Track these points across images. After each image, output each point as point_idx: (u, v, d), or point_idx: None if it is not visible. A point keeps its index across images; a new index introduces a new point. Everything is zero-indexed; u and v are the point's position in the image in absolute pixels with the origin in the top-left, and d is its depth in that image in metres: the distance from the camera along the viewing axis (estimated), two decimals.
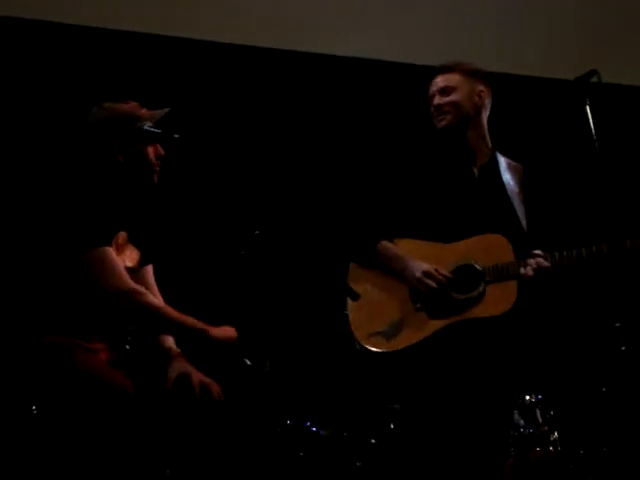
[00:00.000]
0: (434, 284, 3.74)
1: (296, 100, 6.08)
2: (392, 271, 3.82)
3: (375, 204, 3.89)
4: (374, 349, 3.77)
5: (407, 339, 3.74)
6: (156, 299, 3.65)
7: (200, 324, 3.63)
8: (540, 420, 4.98)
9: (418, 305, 3.77)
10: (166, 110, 3.76)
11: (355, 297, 3.76)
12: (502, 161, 4.00)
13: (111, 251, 3.52)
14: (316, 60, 6.07)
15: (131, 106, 3.75)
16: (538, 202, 3.95)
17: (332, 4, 6.07)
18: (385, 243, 3.85)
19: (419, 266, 3.77)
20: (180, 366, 3.70)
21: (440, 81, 4.02)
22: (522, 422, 4.94)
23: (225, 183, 5.75)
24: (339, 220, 3.90)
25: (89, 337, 3.55)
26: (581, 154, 3.93)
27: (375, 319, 3.79)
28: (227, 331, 3.68)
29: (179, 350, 3.78)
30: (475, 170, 3.95)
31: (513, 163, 4.03)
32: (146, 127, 3.76)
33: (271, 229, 5.01)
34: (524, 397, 4.97)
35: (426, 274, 3.75)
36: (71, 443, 3.34)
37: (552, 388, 5.19)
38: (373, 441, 4.94)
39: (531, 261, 3.76)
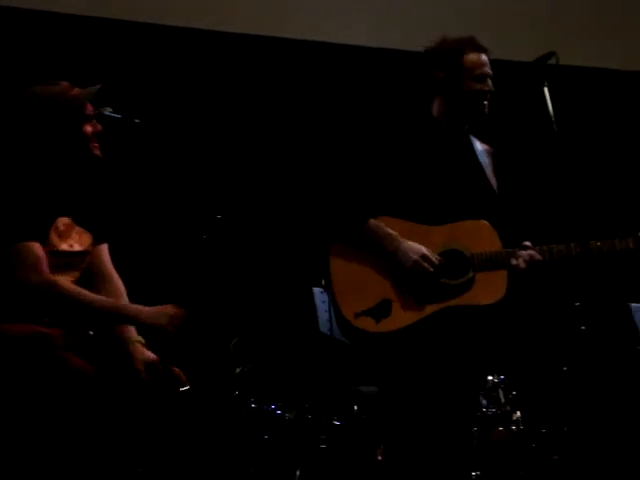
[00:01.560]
0: (431, 268, 3.68)
1: (276, 83, 6.09)
2: (379, 250, 3.73)
3: (363, 182, 3.77)
4: (363, 329, 3.67)
5: (398, 321, 3.67)
6: (71, 285, 3.60)
7: (128, 308, 3.61)
8: (503, 400, 5.02)
9: (404, 287, 3.71)
10: (97, 87, 3.68)
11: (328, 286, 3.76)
12: (477, 144, 3.98)
13: (34, 246, 3.49)
14: (293, 45, 6.09)
15: (62, 87, 3.66)
16: (510, 185, 3.93)
17: None
18: (375, 222, 3.73)
19: (416, 248, 3.69)
20: (146, 355, 3.68)
21: (488, 64, 3.86)
22: (485, 402, 4.98)
23: (189, 167, 5.74)
24: (327, 199, 3.76)
25: (44, 322, 3.53)
26: (540, 136, 3.94)
27: (362, 298, 3.69)
28: (162, 312, 3.61)
29: (141, 339, 3.76)
30: (454, 152, 3.89)
31: (485, 146, 4.00)
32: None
33: (233, 214, 5.01)
34: (487, 378, 5.01)
35: (424, 257, 3.68)
36: (31, 427, 3.33)
37: (514, 368, 5.24)
38: (338, 423, 4.97)
39: (523, 253, 3.74)
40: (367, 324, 3.66)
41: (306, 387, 5.30)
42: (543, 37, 5.77)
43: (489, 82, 3.85)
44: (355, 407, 4.93)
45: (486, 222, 3.77)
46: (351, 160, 3.83)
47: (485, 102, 3.84)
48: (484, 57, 3.85)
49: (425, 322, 3.67)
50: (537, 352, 5.87)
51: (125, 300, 3.78)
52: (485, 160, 3.94)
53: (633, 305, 5.37)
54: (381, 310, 3.67)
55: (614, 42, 6.18)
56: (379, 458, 4.73)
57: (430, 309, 3.68)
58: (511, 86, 5.63)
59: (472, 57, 3.84)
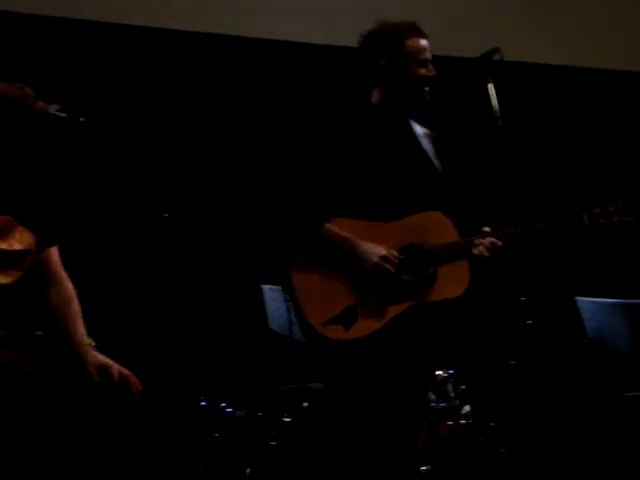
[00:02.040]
0: (392, 268, 3.60)
1: (217, 81, 6.06)
2: (337, 255, 3.64)
3: (311, 186, 3.68)
4: (334, 338, 3.58)
5: (367, 327, 3.59)
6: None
7: None
8: (452, 394, 5.05)
9: (368, 290, 3.62)
10: (58, 106, 3.65)
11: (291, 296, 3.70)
12: (417, 128, 3.93)
13: None
14: (226, 41, 6.07)
15: (24, 94, 3.57)
16: (454, 168, 3.89)
17: None
18: (329, 226, 3.64)
19: (375, 250, 3.61)
20: (98, 358, 3.65)
21: (429, 49, 3.81)
22: (434, 397, 5.01)
23: (136, 165, 5.71)
24: (277, 209, 3.68)
25: None
26: (485, 131, 3.95)
27: (328, 307, 3.61)
28: None
29: (91, 341, 3.73)
30: (397, 141, 3.85)
31: (426, 130, 3.95)
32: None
33: (181, 212, 4.99)
34: (436, 373, 5.03)
35: (384, 258, 3.59)
36: None
37: (463, 363, 5.26)
38: (288, 420, 4.97)
39: (483, 241, 3.68)
40: (337, 332, 3.59)
41: (256, 384, 5.29)
42: (488, 33, 5.80)
43: (431, 67, 3.81)
44: (305, 404, 4.93)
45: (439, 213, 3.72)
46: (297, 165, 3.76)
47: (427, 88, 3.79)
48: (425, 42, 3.80)
49: (393, 324, 3.61)
50: (486, 346, 5.90)
51: (75, 302, 3.75)
52: (427, 145, 3.89)
53: (579, 299, 5.43)
54: (348, 317, 3.60)
55: (557, 38, 6.23)
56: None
57: (396, 310, 3.62)
58: (457, 82, 5.69)
59: (414, 42, 3.79)
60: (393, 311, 3.62)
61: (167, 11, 5.92)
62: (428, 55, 3.81)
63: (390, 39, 3.80)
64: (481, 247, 3.68)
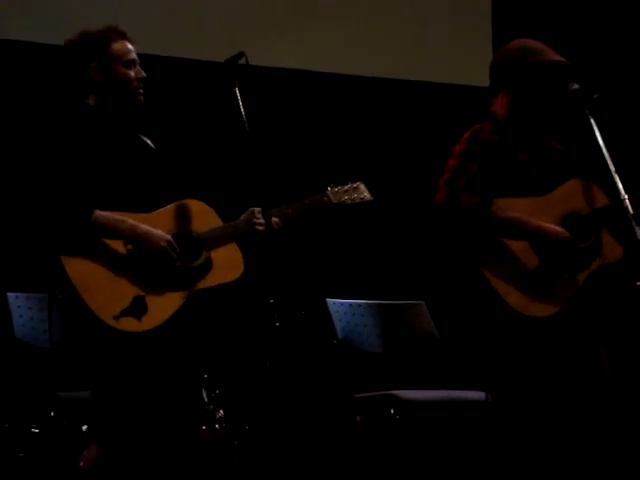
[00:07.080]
0: (175, 255, 3.64)
1: None
2: (114, 236, 3.62)
3: (69, 179, 3.62)
4: (130, 330, 3.55)
5: (159, 314, 3.60)
6: None
7: None
8: (206, 399, 5.06)
9: (151, 277, 3.62)
10: None
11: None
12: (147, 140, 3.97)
13: None
14: None
15: None
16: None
17: None
18: (99, 212, 3.61)
19: (159, 233, 3.64)
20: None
21: (134, 51, 3.87)
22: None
23: None
24: (41, 203, 3.58)
25: None
26: (233, 135, 3.99)
27: (114, 300, 3.56)
28: None
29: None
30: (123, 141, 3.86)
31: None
32: None
33: None
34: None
35: (170, 243, 3.64)
36: None
37: (217, 367, 5.28)
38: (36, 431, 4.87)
39: (261, 219, 3.80)
40: (131, 325, 3.56)
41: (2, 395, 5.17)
42: (234, 37, 5.83)
43: (138, 70, 3.86)
44: (52, 413, 4.83)
45: (197, 200, 3.79)
46: (44, 162, 3.69)
47: (140, 90, 3.84)
48: (129, 44, 3.87)
49: (181, 312, 3.63)
50: (237, 349, 5.94)
51: None
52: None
53: (329, 300, 5.56)
54: (137, 307, 3.58)
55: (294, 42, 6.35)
56: (80, 465, 4.66)
57: (182, 295, 3.65)
58: (204, 86, 5.70)
59: (118, 44, 3.84)
60: (178, 299, 3.65)
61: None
62: (134, 56, 3.86)
63: (96, 43, 3.83)
64: (263, 224, 3.78)
